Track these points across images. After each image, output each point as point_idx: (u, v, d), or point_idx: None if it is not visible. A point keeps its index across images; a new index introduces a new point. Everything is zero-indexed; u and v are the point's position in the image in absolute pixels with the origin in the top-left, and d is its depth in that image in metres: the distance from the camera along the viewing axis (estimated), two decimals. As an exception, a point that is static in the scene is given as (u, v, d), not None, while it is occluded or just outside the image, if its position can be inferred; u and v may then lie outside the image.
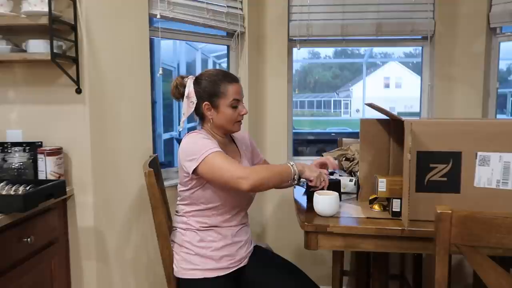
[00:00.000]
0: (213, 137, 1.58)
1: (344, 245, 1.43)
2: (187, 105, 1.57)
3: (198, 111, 1.59)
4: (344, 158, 2.05)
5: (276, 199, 2.63)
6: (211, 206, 1.54)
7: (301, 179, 1.53)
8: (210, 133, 1.60)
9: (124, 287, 1.99)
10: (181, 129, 1.67)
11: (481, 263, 0.96)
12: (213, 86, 1.55)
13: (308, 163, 1.59)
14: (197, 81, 1.58)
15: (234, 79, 1.59)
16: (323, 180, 1.53)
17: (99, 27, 1.83)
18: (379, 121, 1.68)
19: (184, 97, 1.57)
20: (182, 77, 1.61)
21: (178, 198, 1.63)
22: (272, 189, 1.84)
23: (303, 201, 1.71)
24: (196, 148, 1.45)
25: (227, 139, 1.68)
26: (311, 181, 1.51)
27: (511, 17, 2.33)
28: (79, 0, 1.78)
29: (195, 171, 1.45)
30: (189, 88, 1.56)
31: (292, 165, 1.48)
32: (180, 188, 1.59)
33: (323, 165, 1.66)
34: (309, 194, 1.62)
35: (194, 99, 1.56)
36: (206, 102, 1.55)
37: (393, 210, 1.47)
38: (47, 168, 1.73)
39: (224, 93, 1.54)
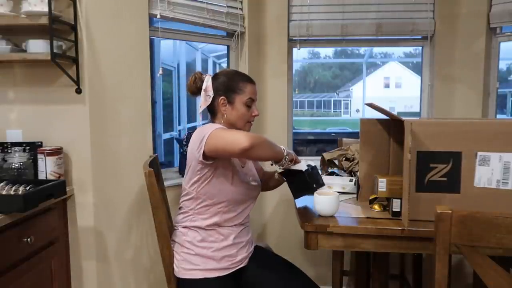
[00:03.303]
0: None
1: (344, 245, 1.43)
2: (204, 99, 1.62)
3: (211, 106, 1.62)
4: (344, 158, 2.05)
5: (276, 199, 2.64)
6: (216, 202, 1.53)
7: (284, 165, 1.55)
8: None
9: (124, 287, 1.99)
10: (200, 123, 1.71)
11: (481, 263, 0.96)
12: (231, 81, 1.60)
13: (308, 163, 1.60)
14: (215, 77, 1.63)
15: (251, 80, 1.64)
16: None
17: (99, 27, 1.83)
18: (379, 121, 1.68)
19: (202, 90, 1.61)
20: (201, 73, 1.66)
21: (183, 194, 1.61)
22: (271, 188, 1.87)
23: (303, 201, 1.71)
24: (203, 131, 1.47)
25: None
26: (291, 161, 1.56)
27: (511, 17, 2.33)
28: (79, 0, 1.78)
29: (204, 154, 1.45)
30: (207, 83, 1.61)
31: (282, 146, 1.53)
32: (188, 182, 1.56)
33: None
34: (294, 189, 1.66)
35: (211, 93, 1.59)
36: (222, 97, 1.59)
37: (393, 210, 1.47)
38: (47, 168, 1.73)
39: (241, 90, 1.58)
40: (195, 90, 1.64)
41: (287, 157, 1.51)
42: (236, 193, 1.55)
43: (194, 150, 1.49)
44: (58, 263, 1.77)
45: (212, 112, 1.64)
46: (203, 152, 1.44)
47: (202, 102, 1.62)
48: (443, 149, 1.35)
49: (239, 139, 1.37)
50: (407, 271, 2.47)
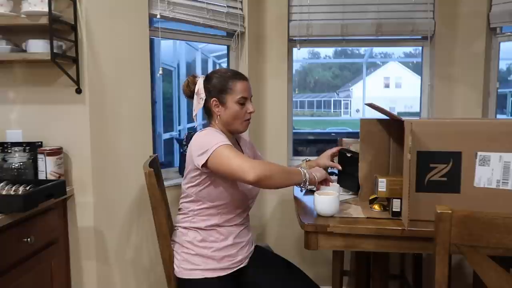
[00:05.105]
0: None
1: (344, 245, 1.43)
2: (197, 101, 1.62)
3: (206, 107, 1.62)
4: (344, 158, 2.05)
5: (276, 199, 2.63)
6: (217, 204, 1.54)
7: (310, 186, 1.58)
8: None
9: (124, 287, 1.99)
10: (195, 125, 1.73)
11: (481, 263, 0.96)
12: (221, 82, 1.58)
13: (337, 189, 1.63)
14: (207, 78, 1.62)
15: (242, 77, 1.62)
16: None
17: (99, 27, 1.83)
18: (379, 121, 1.68)
19: (194, 93, 1.61)
20: (194, 76, 1.65)
21: (182, 196, 1.62)
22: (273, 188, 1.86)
23: (303, 200, 1.71)
24: (208, 141, 1.46)
25: (233, 140, 1.68)
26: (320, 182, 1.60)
27: (511, 17, 2.33)
28: (79, 0, 1.78)
29: (205, 164, 1.45)
30: (199, 86, 1.61)
31: (303, 169, 1.53)
32: (186, 185, 1.58)
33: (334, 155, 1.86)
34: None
35: (203, 96, 1.59)
36: (214, 98, 1.58)
37: (393, 210, 1.47)
38: (47, 168, 1.73)
39: (232, 89, 1.57)
40: (189, 93, 1.65)
41: (307, 182, 1.52)
42: (236, 194, 1.55)
43: (194, 157, 1.48)
44: (58, 263, 1.77)
45: (208, 113, 1.64)
46: (205, 164, 1.44)
47: (195, 105, 1.62)
48: (443, 149, 1.35)
49: (244, 171, 1.36)
50: (407, 271, 2.47)
